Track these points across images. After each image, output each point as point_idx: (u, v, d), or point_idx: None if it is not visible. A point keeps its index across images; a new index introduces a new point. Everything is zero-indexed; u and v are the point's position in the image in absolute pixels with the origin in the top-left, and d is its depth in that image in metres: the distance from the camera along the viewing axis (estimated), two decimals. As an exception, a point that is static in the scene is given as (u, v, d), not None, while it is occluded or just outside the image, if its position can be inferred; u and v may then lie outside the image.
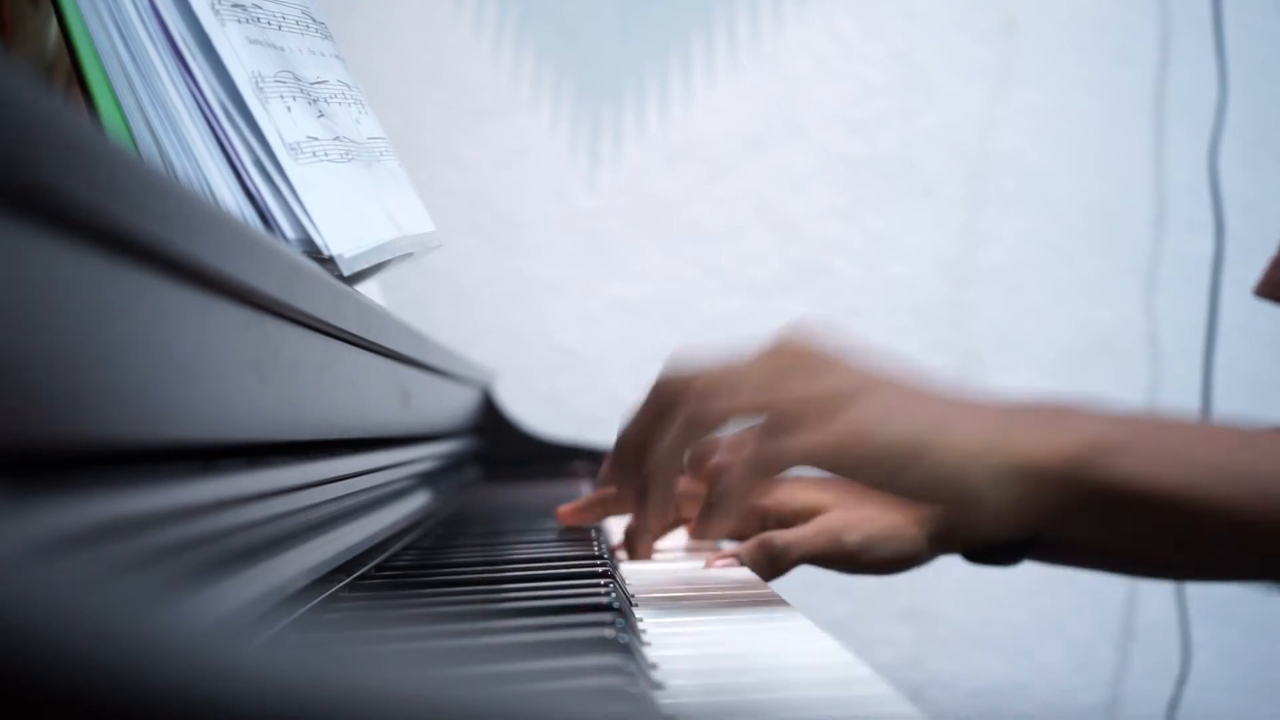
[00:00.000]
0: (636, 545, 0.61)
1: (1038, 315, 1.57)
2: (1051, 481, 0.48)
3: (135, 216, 0.28)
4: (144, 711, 0.13)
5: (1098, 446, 0.47)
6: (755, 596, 0.58)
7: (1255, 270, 0.90)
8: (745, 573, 0.67)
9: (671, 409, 0.56)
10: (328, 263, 0.56)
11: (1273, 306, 0.91)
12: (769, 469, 0.51)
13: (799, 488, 0.81)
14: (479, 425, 1.24)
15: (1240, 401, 1.53)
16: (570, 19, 1.54)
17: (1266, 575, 0.51)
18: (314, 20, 0.66)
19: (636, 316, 1.55)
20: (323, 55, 0.65)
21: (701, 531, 0.55)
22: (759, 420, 0.53)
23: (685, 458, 0.56)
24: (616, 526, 0.90)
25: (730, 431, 0.55)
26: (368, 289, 0.74)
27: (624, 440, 0.58)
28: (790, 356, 0.55)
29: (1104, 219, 1.58)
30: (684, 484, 0.60)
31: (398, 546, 0.69)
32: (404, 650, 0.40)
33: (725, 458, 0.55)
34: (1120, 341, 1.58)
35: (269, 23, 0.61)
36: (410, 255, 0.66)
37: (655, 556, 0.68)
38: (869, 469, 0.49)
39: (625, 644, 0.41)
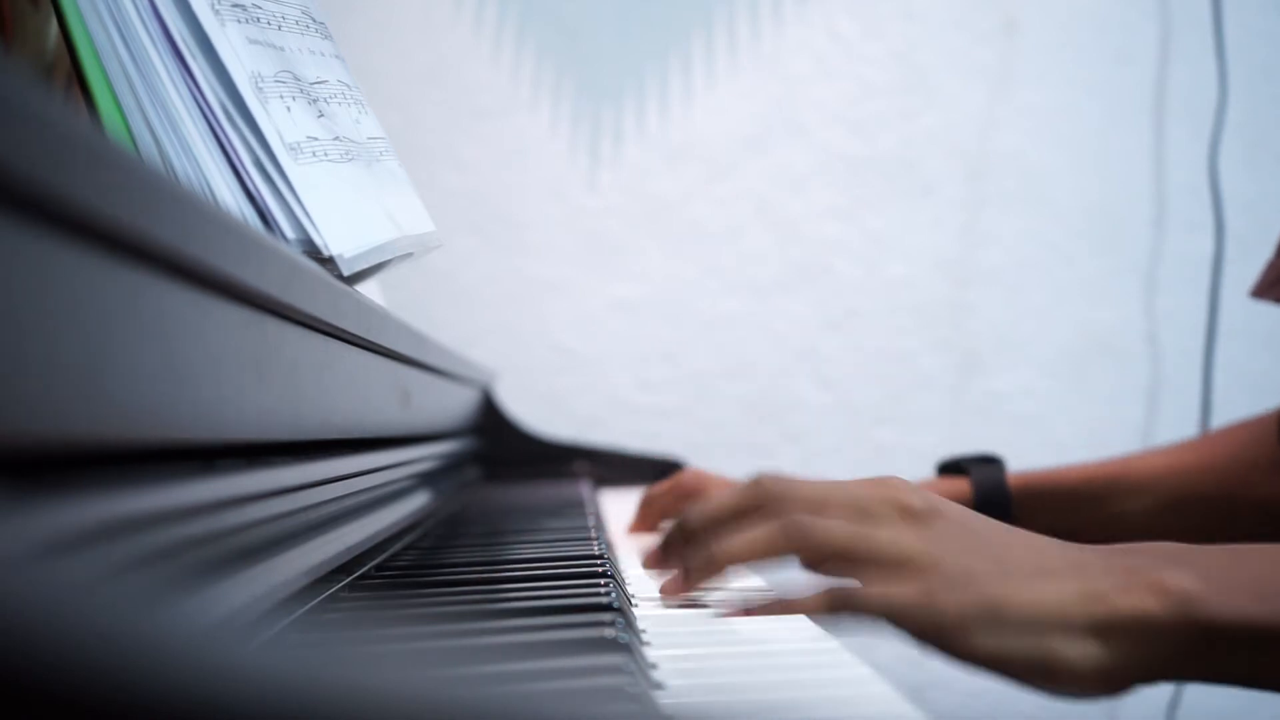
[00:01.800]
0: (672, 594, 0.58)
1: (1038, 315, 1.57)
2: (1150, 635, 0.45)
3: (135, 216, 0.28)
4: (144, 711, 0.13)
5: (1193, 594, 0.45)
6: (755, 598, 0.58)
7: (1255, 270, 0.91)
8: (747, 574, 0.67)
9: (764, 510, 0.54)
10: (328, 263, 0.56)
11: (1272, 307, 0.91)
12: (833, 615, 0.50)
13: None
14: (479, 425, 1.24)
15: (1240, 401, 1.52)
16: (570, 19, 1.54)
17: None
18: (314, 20, 0.66)
19: (636, 316, 1.55)
20: (323, 55, 0.65)
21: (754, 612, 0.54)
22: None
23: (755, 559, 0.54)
24: (617, 527, 0.90)
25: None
26: (368, 289, 0.74)
27: (700, 518, 0.56)
28: (885, 494, 0.52)
29: (1104, 219, 1.58)
30: None
31: (398, 546, 0.69)
32: (404, 650, 0.40)
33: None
34: (1120, 341, 1.58)
35: (269, 23, 0.61)
36: (410, 255, 0.66)
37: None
38: (948, 634, 0.47)
39: (625, 644, 0.41)
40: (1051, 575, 0.47)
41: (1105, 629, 0.45)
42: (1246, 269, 0.94)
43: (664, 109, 1.55)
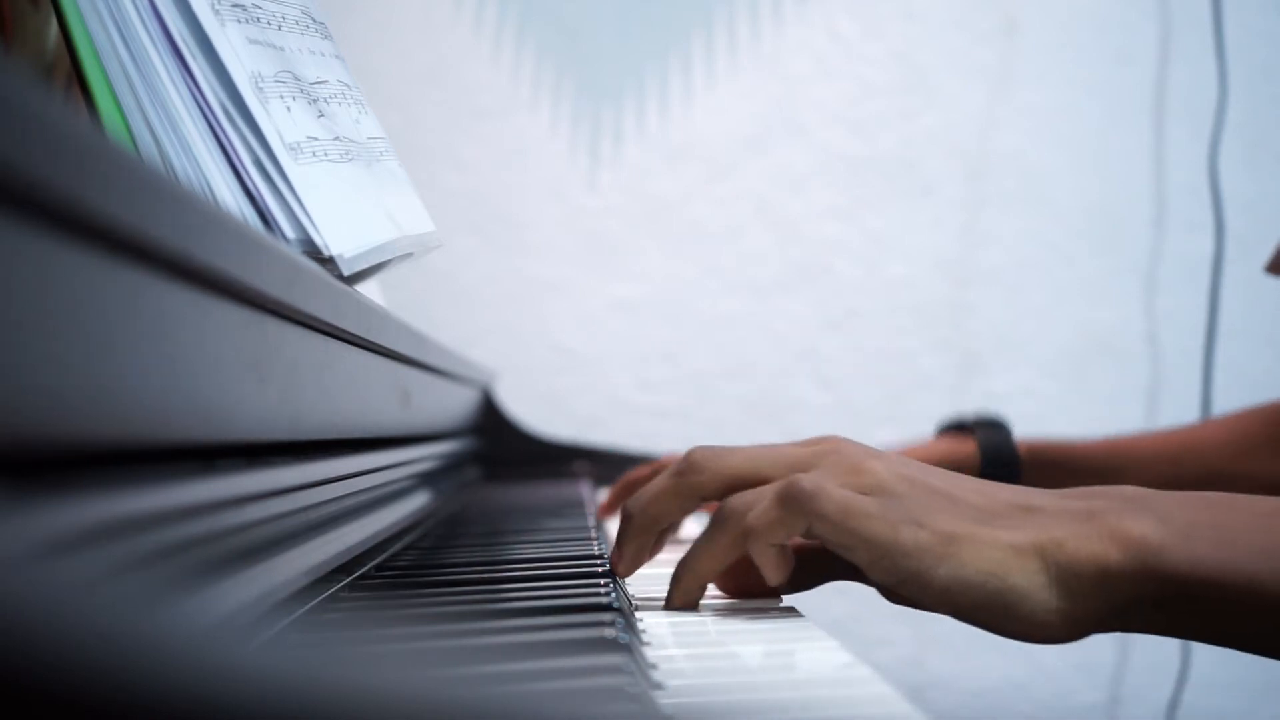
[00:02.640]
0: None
1: (1038, 315, 1.57)
2: (1107, 582, 0.44)
3: (135, 216, 0.28)
4: (144, 711, 0.13)
5: (1153, 542, 0.44)
6: (756, 598, 0.58)
7: (1255, 270, 0.90)
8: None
9: (701, 484, 0.53)
10: (328, 263, 0.56)
11: (1272, 301, 0.91)
12: (790, 520, 0.48)
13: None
14: (479, 425, 1.24)
15: (1240, 401, 1.52)
16: (570, 19, 1.54)
17: None
18: (314, 20, 0.66)
19: (636, 316, 1.55)
20: (323, 55, 0.65)
21: (730, 584, 0.54)
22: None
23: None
24: (617, 527, 0.90)
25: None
26: (368, 289, 0.74)
27: (639, 509, 0.56)
28: (825, 444, 0.51)
29: (1104, 219, 1.58)
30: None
31: (398, 546, 0.69)
32: (404, 650, 0.40)
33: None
34: (1120, 341, 1.58)
35: (269, 23, 0.61)
36: (410, 255, 0.66)
37: (657, 561, 0.68)
38: (901, 559, 0.45)
39: (625, 644, 0.41)
40: (1009, 519, 0.46)
41: (1064, 575, 0.44)
42: (1246, 269, 0.94)
43: (664, 109, 1.55)
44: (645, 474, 0.86)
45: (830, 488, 0.46)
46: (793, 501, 0.47)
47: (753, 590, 0.54)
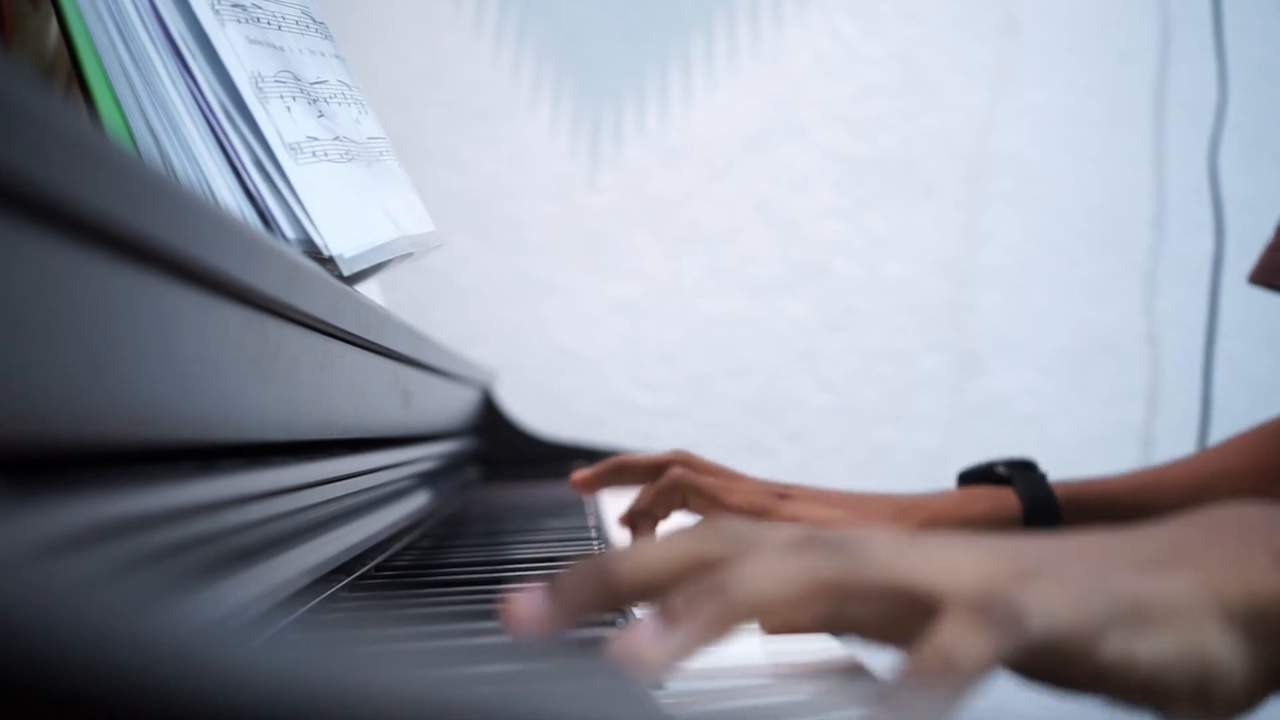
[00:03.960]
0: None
1: (1038, 315, 1.57)
2: None
3: (135, 216, 0.28)
4: (144, 711, 0.13)
5: None
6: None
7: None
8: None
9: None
10: (328, 263, 0.56)
11: (1272, 302, 0.90)
12: (1000, 651, 0.33)
13: (811, 505, 0.77)
14: (479, 425, 1.24)
15: (1240, 401, 1.53)
16: (570, 19, 1.54)
17: None
18: (314, 20, 0.66)
19: (636, 316, 1.55)
20: (323, 55, 0.65)
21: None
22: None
23: None
24: (617, 527, 0.90)
25: None
26: (368, 289, 0.74)
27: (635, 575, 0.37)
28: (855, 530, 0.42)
29: (1104, 219, 1.58)
30: None
31: (398, 546, 0.69)
32: (404, 650, 0.40)
33: None
34: (1120, 341, 1.58)
35: (269, 23, 0.61)
36: (410, 255, 0.66)
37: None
38: (1102, 644, 0.33)
39: (625, 644, 0.41)
40: (1158, 565, 0.35)
41: (1243, 617, 0.34)
42: (1246, 269, 0.94)
43: (664, 109, 1.55)
44: (644, 462, 0.82)
45: (1026, 600, 0.33)
46: (1008, 625, 0.33)
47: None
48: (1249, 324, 1.55)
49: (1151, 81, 1.58)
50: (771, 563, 0.34)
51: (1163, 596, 0.34)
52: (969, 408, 1.57)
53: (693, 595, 0.34)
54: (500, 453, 1.27)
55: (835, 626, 0.35)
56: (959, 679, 0.33)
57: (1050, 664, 0.34)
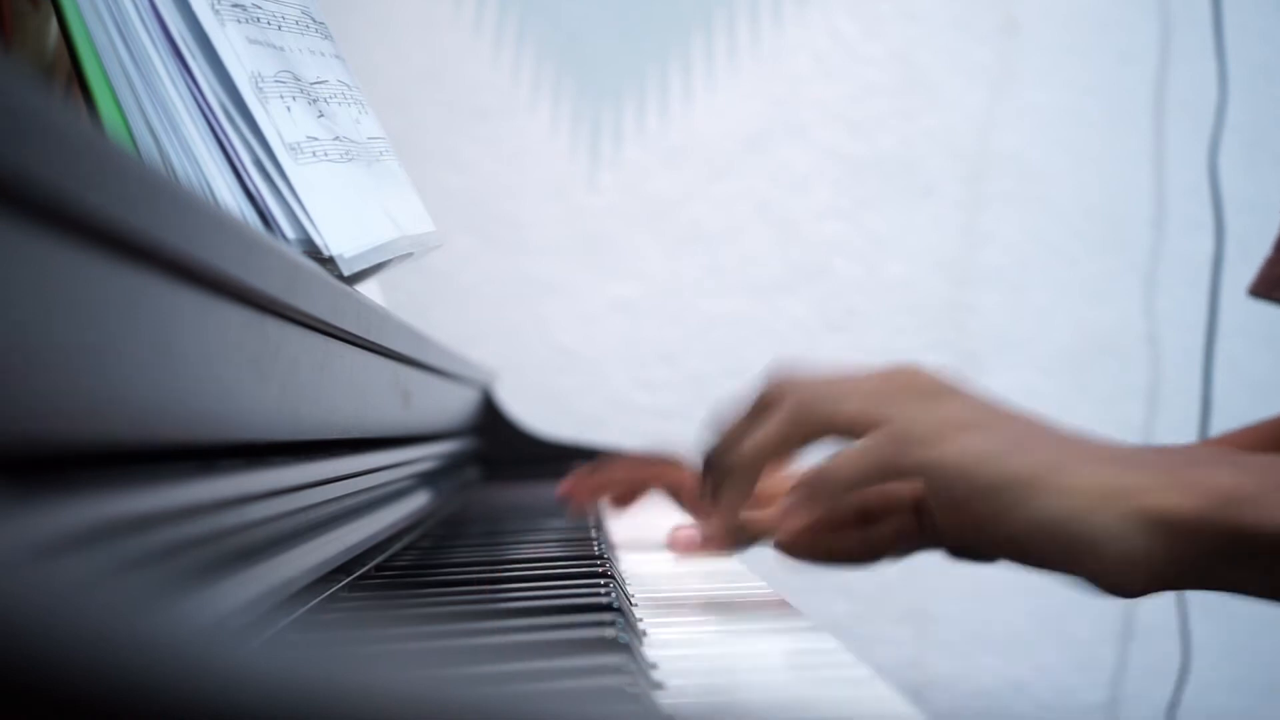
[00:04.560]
0: (711, 538, 0.55)
1: (1038, 315, 1.57)
2: (1184, 532, 0.43)
3: (135, 216, 0.28)
4: (144, 711, 0.13)
5: (1233, 495, 0.43)
6: (756, 597, 0.58)
7: (1255, 270, 0.90)
8: (746, 573, 0.67)
9: (772, 409, 0.51)
10: (328, 263, 0.56)
11: (1272, 307, 0.91)
12: (875, 474, 0.48)
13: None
14: (479, 425, 1.24)
15: (1240, 401, 1.53)
16: (570, 19, 1.54)
17: None
18: (314, 20, 0.66)
19: (636, 316, 1.55)
20: (323, 55, 0.65)
21: (788, 521, 0.52)
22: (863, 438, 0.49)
23: (776, 456, 0.52)
24: (617, 527, 0.90)
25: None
26: (368, 289, 0.74)
27: (718, 438, 0.53)
28: (906, 378, 0.50)
29: (1104, 219, 1.58)
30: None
31: (398, 546, 0.69)
32: (404, 650, 0.40)
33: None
34: (1120, 341, 1.58)
35: (269, 23, 0.61)
36: (410, 255, 0.66)
37: (653, 558, 0.68)
38: (979, 501, 0.45)
39: (625, 644, 0.41)
40: (1097, 461, 0.45)
41: (1150, 522, 0.43)
42: (1246, 269, 0.94)
43: (664, 109, 1.55)
44: (618, 474, 0.82)
45: (920, 437, 0.45)
46: (895, 447, 0.46)
47: (819, 556, 0.56)
48: (1249, 324, 1.55)
49: (1151, 81, 1.58)
50: (772, 425, 0.49)
51: (1071, 478, 0.43)
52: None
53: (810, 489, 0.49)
54: (500, 453, 1.27)
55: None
56: (833, 483, 0.47)
57: (941, 501, 0.45)
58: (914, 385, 0.49)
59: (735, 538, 0.53)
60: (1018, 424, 0.47)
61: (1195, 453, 0.47)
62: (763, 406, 0.52)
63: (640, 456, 0.84)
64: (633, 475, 0.79)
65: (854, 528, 0.60)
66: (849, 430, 0.49)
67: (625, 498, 0.80)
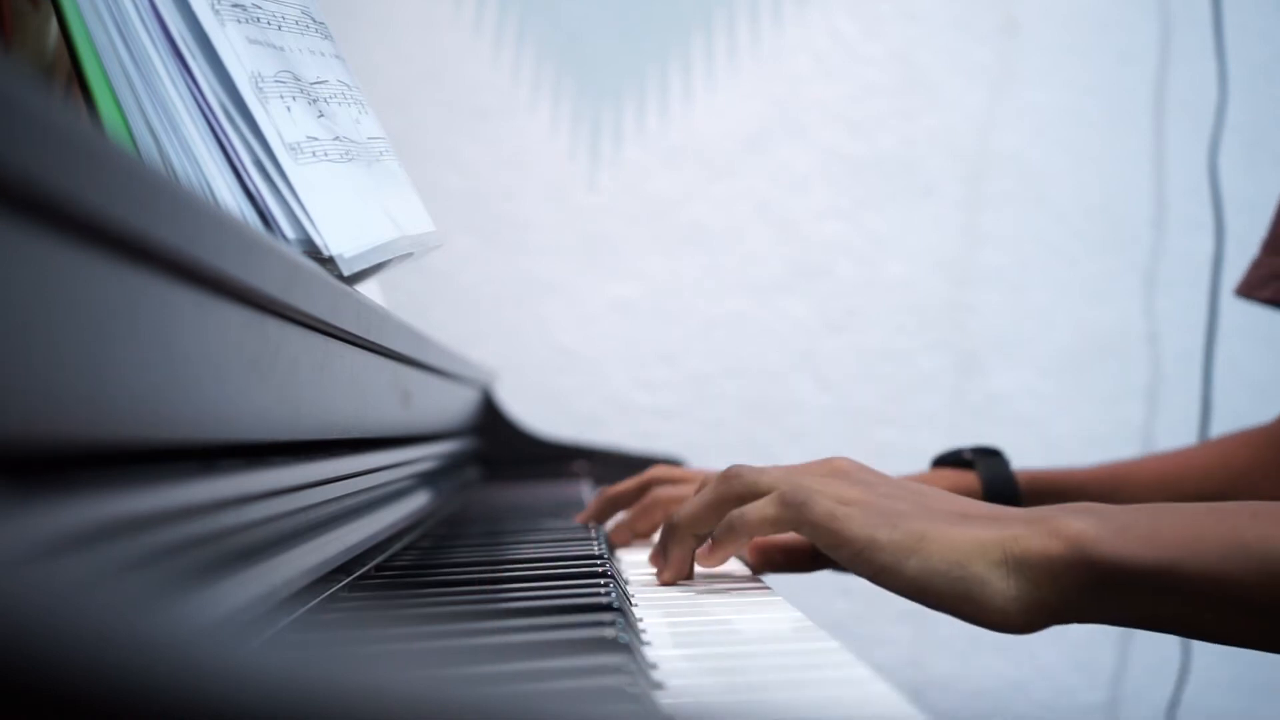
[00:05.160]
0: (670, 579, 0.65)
1: (1038, 315, 1.57)
2: (1046, 572, 0.50)
3: (135, 216, 0.28)
4: (144, 711, 0.13)
5: (1083, 538, 0.50)
6: (757, 599, 0.58)
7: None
8: (746, 573, 0.67)
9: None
10: (328, 263, 0.56)
11: (1272, 307, 0.91)
12: (771, 527, 0.56)
13: None
14: (479, 425, 1.24)
15: (1240, 401, 1.53)
16: (570, 20, 1.54)
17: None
18: (314, 20, 0.66)
19: (636, 316, 1.55)
20: (323, 55, 0.65)
21: (705, 557, 0.61)
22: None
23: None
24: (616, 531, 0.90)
25: None
26: (368, 289, 0.74)
27: (686, 517, 0.63)
28: (835, 464, 0.60)
29: (1104, 219, 1.58)
30: None
31: (398, 546, 0.69)
32: (404, 650, 0.40)
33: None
34: (1120, 341, 1.58)
35: (269, 23, 0.61)
36: (410, 255, 0.66)
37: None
38: (876, 553, 0.52)
39: (625, 644, 0.41)
40: (972, 520, 0.53)
41: (1017, 566, 0.51)
42: (1250, 260, 0.94)
43: (664, 109, 1.55)
44: (629, 488, 0.87)
45: (819, 497, 0.55)
46: (788, 506, 0.55)
47: (771, 568, 0.72)
48: (1249, 324, 1.55)
49: (1151, 81, 1.58)
50: (703, 493, 0.61)
51: (944, 536, 0.51)
52: (969, 408, 1.57)
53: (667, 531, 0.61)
54: (500, 453, 1.27)
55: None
56: (743, 524, 0.56)
57: (844, 555, 0.53)
58: (836, 469, 0.59)
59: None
60: (908, 498, 0.55)
61: (1058, 506, 0.54)
62: (728, 499, 0.61)
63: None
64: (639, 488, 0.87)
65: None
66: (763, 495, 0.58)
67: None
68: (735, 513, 0.57)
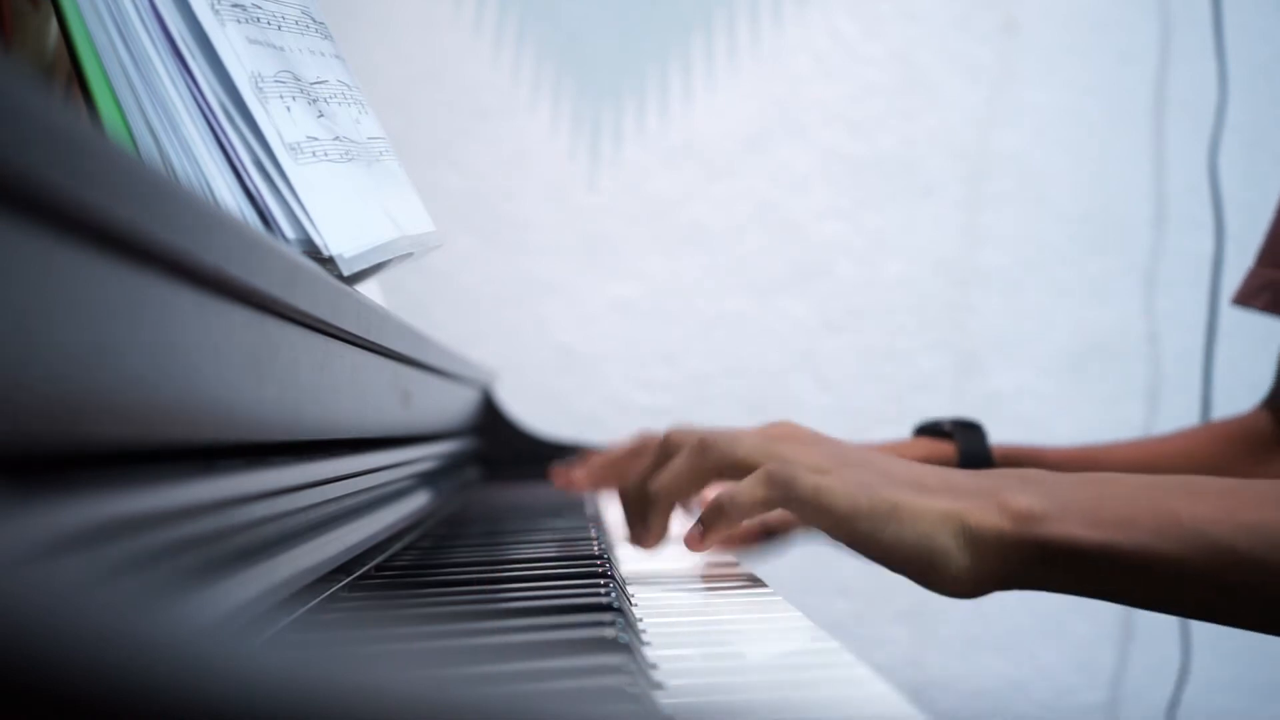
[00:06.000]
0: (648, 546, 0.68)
1: (1038, 315, 1.57)
2: (995, 546, 0.54)
3: (135, 216, 0.28)
4: (144, 711, 0.13)
5: (1030, 514, 0.53)
6: (756, 598, 0.58)
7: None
8: (747, 573, 0.67)
9: (675, 453, 0.64)
10: (328, 263, 0.56)
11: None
12: (763, 507, 0.58)
13: None
14: (479, 425, 1.24)
15: (1240, 401, 1.52)
16: (570, 19, 1.54)
17: (1222, 619, 0.54)
18: (314, 20, 0.66)
19: (636, 316, 1.55)
20: (323, 55, 0.65)
21: (696, 542, 0.61)
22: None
23: (687, 493, 0.64)
24: (617, 527, 0.90)
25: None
26: (368, 289, 0.74)
27: (629, 484, 0.66)
28: (784, 429, 0.63)
29: (1104, 219, 1.58)
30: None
31: (398, 546, 0.69)
32: (404, 650, 0.40)
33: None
34: (1120, 341, 1.58)
35: (269, 23, 0.61)
36: (410, 255, 0.66)
37: (657, 559, 0.69)
38: (846, 528, 0.55)
39: (625, 644, 0.41)
40: (931, 491, 0.56)
41: (971, 539, 0.54)
42: (1246, 269, 0.95)
43: (664, 109, 1.55)
44: (622, 455, 0.91)
45: (803, 473, 0.56)
46: (775, 486, 0.57)
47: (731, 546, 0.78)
48: (1249, 324, 1.55)
49: (1151, 81, 1.58)
50: (680, 462, 0.62)
51: (914, 506, 0.54)
52: (969, 408, 1.56)
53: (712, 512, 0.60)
54: (500, 453, 1.27)
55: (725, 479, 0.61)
56: (735, 507, 0.57)
57: (826, 524, 0.55)
58: (789, 434, 0.62)
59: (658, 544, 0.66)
60: (870, 464, 0.58)
61: (1009, 474, 0.56)
62: (666, 453, 0.64)
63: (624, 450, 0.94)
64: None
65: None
66: (741, 469, 0.60)
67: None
68: (725, 496, 0.58)
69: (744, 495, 0.58)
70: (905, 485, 0.56)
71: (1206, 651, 1.52)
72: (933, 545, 0.54)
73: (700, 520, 0.60)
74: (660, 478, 0.63)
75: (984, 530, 0.53)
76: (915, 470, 0.58)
